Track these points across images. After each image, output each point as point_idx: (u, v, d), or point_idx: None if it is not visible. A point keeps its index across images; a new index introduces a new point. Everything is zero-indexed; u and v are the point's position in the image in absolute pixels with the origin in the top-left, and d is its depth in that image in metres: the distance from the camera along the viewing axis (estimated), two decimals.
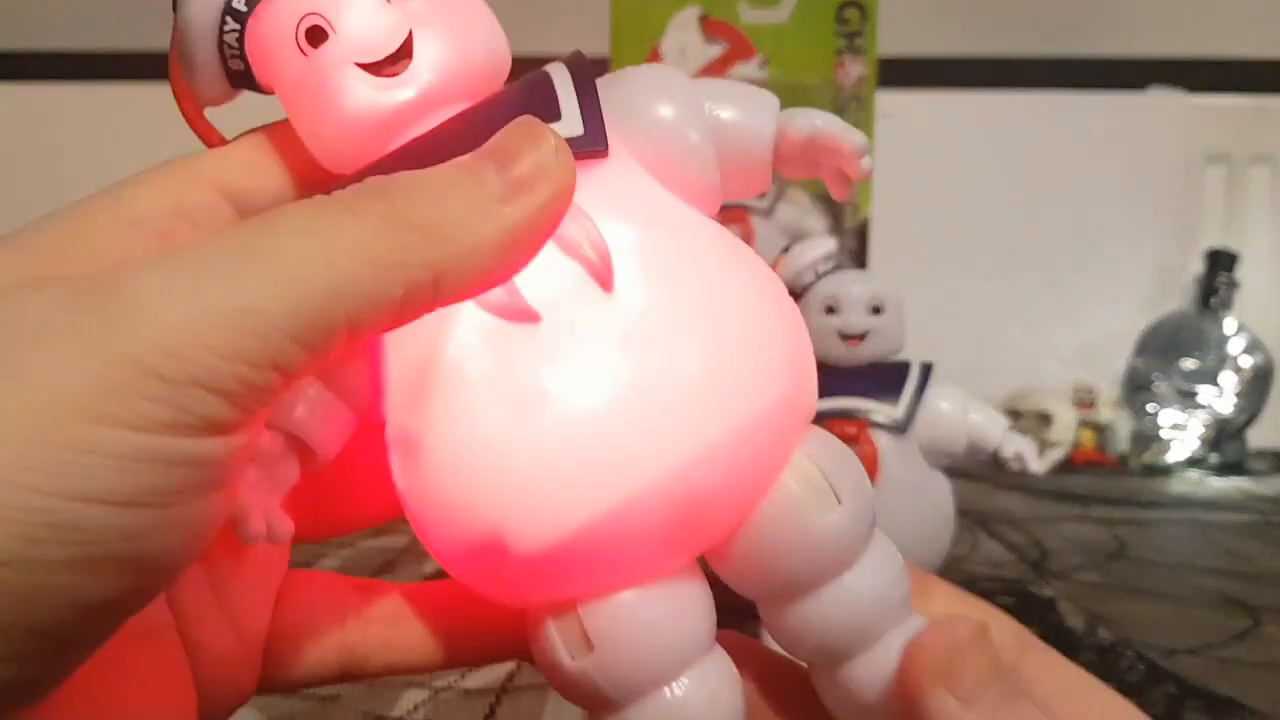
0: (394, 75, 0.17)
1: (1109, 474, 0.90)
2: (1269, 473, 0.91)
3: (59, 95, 0.99)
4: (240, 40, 0.18)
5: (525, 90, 0.18)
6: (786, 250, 0.46)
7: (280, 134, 0.19)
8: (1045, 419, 0.93)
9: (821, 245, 0.45)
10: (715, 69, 0.70)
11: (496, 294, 0.16)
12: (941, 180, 0.99)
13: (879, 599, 0.17)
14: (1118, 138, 1.02)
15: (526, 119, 0.16)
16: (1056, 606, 0.51)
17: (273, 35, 0.17)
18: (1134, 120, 1.02)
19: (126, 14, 1.01)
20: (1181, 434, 0.93)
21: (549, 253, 0.16)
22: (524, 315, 0.16)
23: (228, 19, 0.18)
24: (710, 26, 0.70)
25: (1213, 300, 0.94)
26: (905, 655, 0.17)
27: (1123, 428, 0.96)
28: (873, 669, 0.17)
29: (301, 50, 0.17)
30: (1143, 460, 0.94)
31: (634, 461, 0.16)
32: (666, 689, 0.17)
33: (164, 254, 0.14)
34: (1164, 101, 1.02)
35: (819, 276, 0.45)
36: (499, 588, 0.17)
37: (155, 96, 1.06)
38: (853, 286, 0.43)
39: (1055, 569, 0.58)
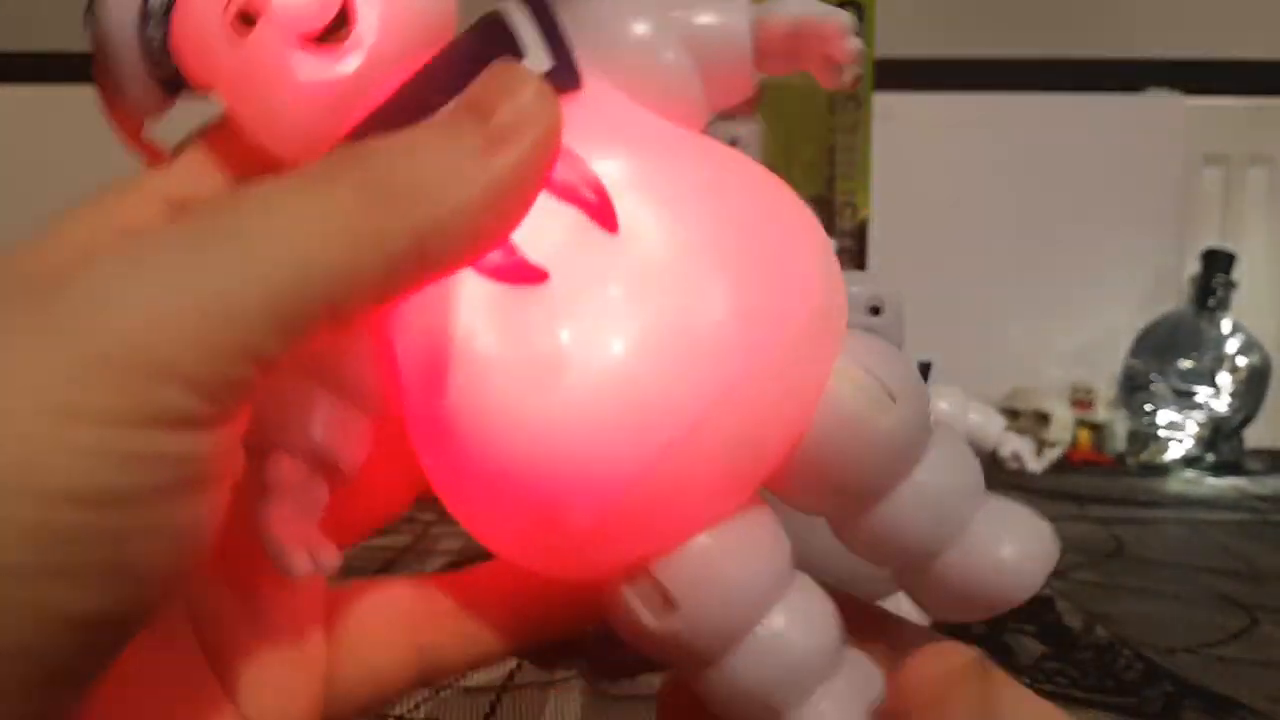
0: (338, 44, 0.16)
1: (1106, 473, 0.90)
2: (1266, 472, 0.91)
3: (60, 97, 0.99)
4: (164, 41, 0.16)
5: (481, 33, 0.17)
6: None
7: (222, 134, 0.17)
8: (1043, 418, 0.93)
9: None
10: None
11: (495, 257, 0.15)
12: (940, 181, 0.99)
13: (955, 488, 0.17)
14: (1115, 139, 1.02)
15: (502, 63, 0.15)
16: (1054, 605, 0.51)
17: (200, 28, 0.16)
18: (1131, 121, 1.02)
19: None
20: (1178, 433, 0.93)
21: (543, 202, 0.15)
22: (529, 275, 0.15)
23: (147, 21, 0.16)
24: None
25: (1210, 300, 0.94)
26: (896, 681, 0.16)
27: (1120, 427, 0.96)
28: (965, 558, 0.17)
29: (234, 38, 0.16)
30: (1140, 459, 0.94)
31: (675, 403, 0.15)
32: (760, 627, 0.16)
33: (131, 240, 0.13)
34: (1161, 103, 1.03)
35: None
36: (563, 565, 0.17)
37: None
38: (852, 287, 0.43)
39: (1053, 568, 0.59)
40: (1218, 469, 0.91)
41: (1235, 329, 0.94)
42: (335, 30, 0.16)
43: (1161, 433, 0.94)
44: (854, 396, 0.16)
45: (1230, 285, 0.94)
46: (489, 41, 0.16)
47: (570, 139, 0.15)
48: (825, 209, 0.68)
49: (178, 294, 0.12)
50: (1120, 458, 0.95)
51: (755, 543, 0.16)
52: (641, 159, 0.16)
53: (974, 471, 0.17)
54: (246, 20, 0.16)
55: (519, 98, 0.15)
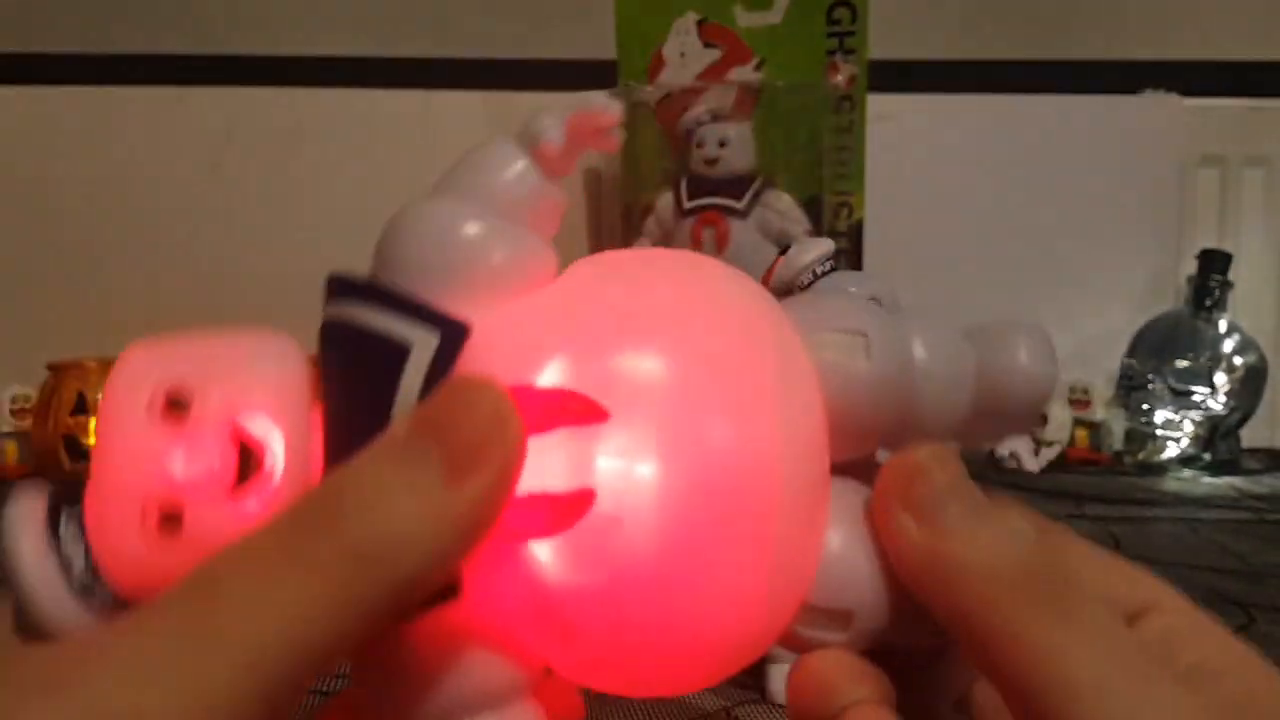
0: (259, 474, 0.16)
1: (1103, 472, 0.90)
2: (1262, 471, 0.91)
3: (63, 98, 0.99)
4: (95, 580, 0.16)
5: (353, 356, 0.16)
6: (784, 252, 0.47)
7: None
8: (1040, 417, 0.94)
9: (819, 246, 0.46)
10: (714, 73, 0.71)
11: (541, 519, 0.15)
12: (936, 182, 1.00)
13: (952, 346, 0.18)
14: (1112, 140, 1.02)
15: (455, 380, 0.15)
16: None
17: (129, 555, 0.16)
18: (1128, 122, 1.03)
19: (128, 17, 1.01)
20: (1175, 433, 0.93)
21: (537, 442, 0.15)
22: (579, 508, 0.15)
23: (71, 571, 0.16)
24: (707, 31, 0.70)
25: (1207, 300, 0.94)
26: (880, 475, 0.17)
27: (1117, 426, 0.96)
28: (997, 380, 0.18)
29: (165, 542, 0.16)
30: (1137, 459, 0.94)
31: (748, 488, 0.16)
32: None
33: (115, 638, 0.13)
34: (1158, 104, 1.03)
35: (817, 277, 0.45)
36: (752, 657, 0.17)
37: (156, 99, 1.04)
38: (850, 287, 0.44)
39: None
40: (1214, 468, 0.91)
41: (1232, 329, 0.95)
42: (248, 466, 0.16)
43: (1158, 432, 0.94)
44: (833, 358, 0.17)
45: (1227, 285, 0.95)
46: (369, 360, 0.16)
47: (507, 372, 0.15)
48: (820, 210, 0.69)
49: (163, 690, 0.13)
50: (1117, 457, 0.95)
51: (854, 507, 0.17)
52: (572, 346, 0.16)
53: (949, 327, 0.19)
54: (171, 520, 0.16)
55: (477, 416, 0.14)
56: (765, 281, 0.38)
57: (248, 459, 0.16)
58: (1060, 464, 0.91)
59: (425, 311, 0.16)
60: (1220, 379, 0.93)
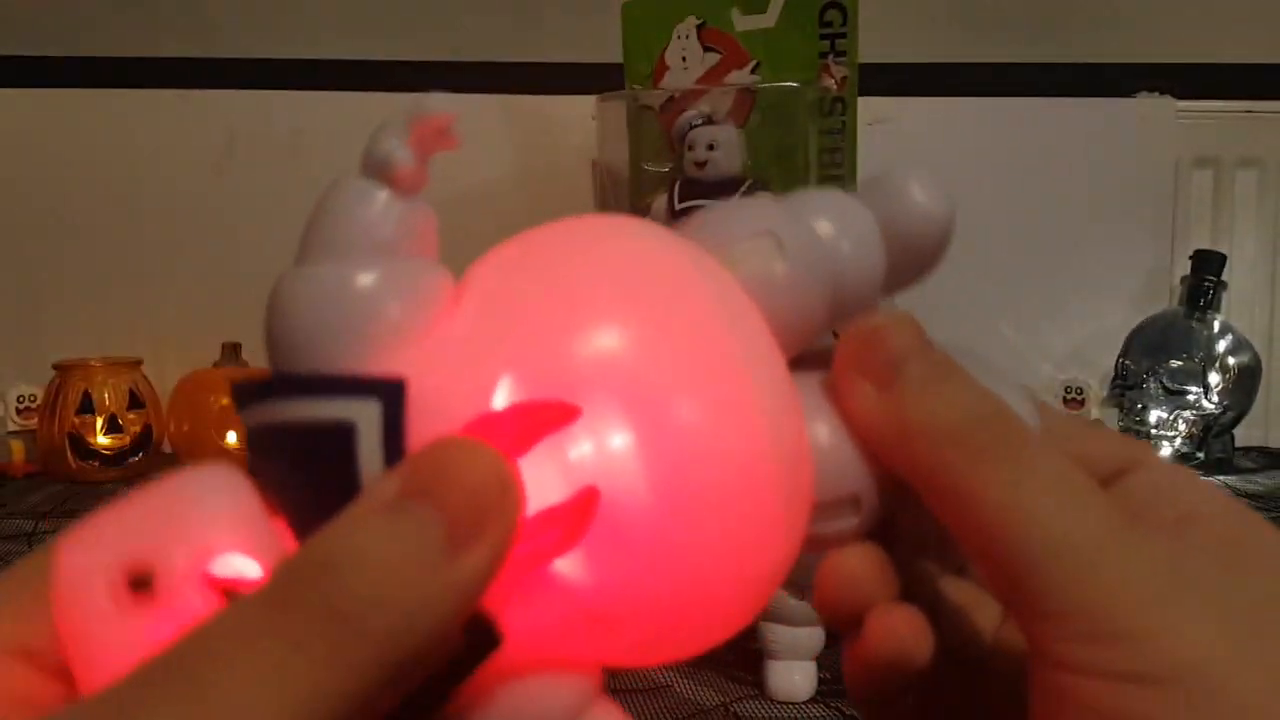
0: (238, 587, 0.15)
1: None
2: (1256, 470, 0.92)
3: (67, 101, 1.00)
4: None
5: (299, 453, 0.15)
6: None
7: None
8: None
9: None
10: (713, 76, 0.71)
11: (555, 544, 0.15)
12: None
13: (847, 208, 0.19)
14: (1107, 142, 1.03)
15: (447, 442, 0.14)
16: None
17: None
18: (1123, 125, 1.03)
19: (130, 21, 1.02)
20: (1169, 432, 0.94)
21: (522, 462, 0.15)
22: (588, 506, 0.15)
23: None
24: (707, 35, 0.71)
25: (1200, 300, 0.95)
26: (838, 349, 0.17)
27: (1111, 426, 0.97)
28: (898, 227, 0.19)
29: None
30: None
31: (736, 437, 0.15)
32: None
33: None
34: (1152, 106, 1.04)
35: None
36: (797, 553, 0.17)
37: (158, 102, 1.05)
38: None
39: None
40: (1208, 467, 0.92)
41: (1225, 329, 0.95)
42: (230, 586, 0.15)
43: (1153, 432, 0.95)
44: (752, 267, 0.17)
45: (1220, 286, 0.95)
46: (317, 453, 0.15)
47: (462, 407, 0.15)
48: None
49: None
50: None
51: (824, 398, 0.18)
52: (513, 356, 0.16)
53: (838, 195, 0.19)
54: None
55: (478, 482, 0.13)
56: None
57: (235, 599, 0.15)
58: None
59: (352, 383, 0.15)
60: (1214, 379, 0.94)
